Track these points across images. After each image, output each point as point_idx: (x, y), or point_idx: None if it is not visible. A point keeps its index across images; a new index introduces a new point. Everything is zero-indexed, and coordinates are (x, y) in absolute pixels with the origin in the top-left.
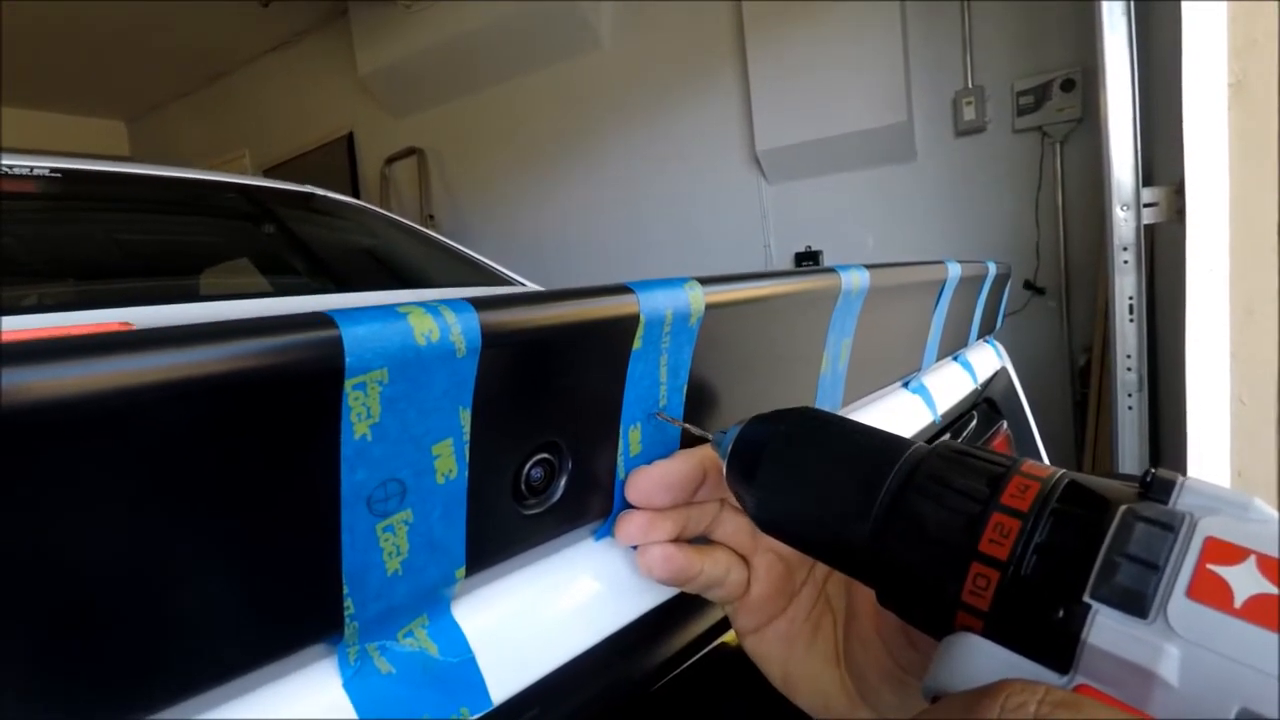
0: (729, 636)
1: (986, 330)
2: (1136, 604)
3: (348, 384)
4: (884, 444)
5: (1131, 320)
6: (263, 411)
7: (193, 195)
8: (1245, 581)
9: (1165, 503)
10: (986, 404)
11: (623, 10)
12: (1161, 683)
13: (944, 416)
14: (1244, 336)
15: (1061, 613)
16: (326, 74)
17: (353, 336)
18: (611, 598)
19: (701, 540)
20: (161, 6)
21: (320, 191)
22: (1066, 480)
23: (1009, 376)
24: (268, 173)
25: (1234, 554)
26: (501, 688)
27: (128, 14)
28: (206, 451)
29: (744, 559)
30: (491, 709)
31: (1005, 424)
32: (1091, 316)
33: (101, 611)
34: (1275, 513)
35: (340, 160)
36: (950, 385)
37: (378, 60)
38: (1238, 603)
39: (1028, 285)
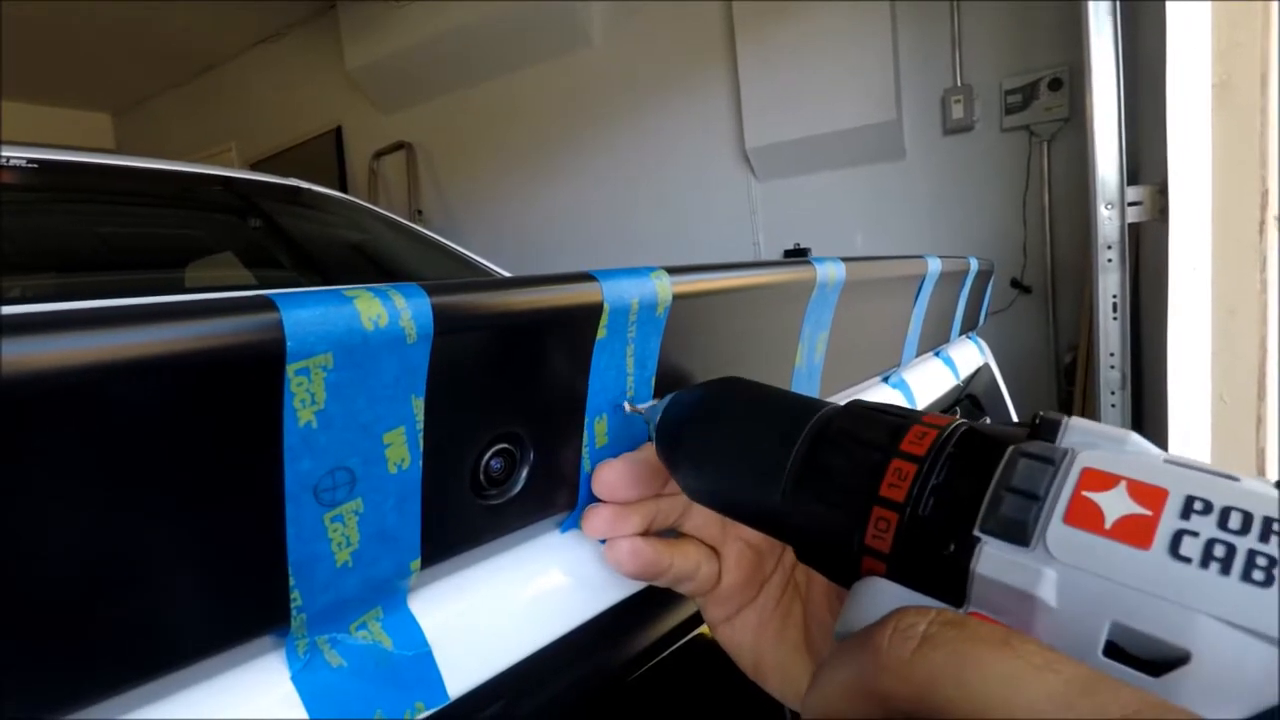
0: (704, 628)
1: (969, 326)
2: (1018, 532)
3: (289, 369)
4: (798, 406)
5: (1115, 318)
6: (200, 396)
7: (178, 188)
8: (1116, 505)
9: (1052, 442)
10: (969, 400)
11: (613, 8)
12: (1041, 605)
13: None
14: (1225, 335)
15: (953, 547)
16: (314, 68)
17: (294, 320)
18: (577, 591)
19: (670, 533)
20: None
21: (306, 185)
22: (963, 428)
23: (992, 373)
24: (254, 167)
25: (1107, 481)
26: (459, 682)
27: (113, 6)
28: (141, 438)
29: (714, 550)
30: (448, 704)
31: (988, 420)
32: (1077, 314)
33: (31, 604)
34: (1151, 446)
35: (328, 154)
36: (931, 380)
37: (366, 55)
38: (1108, 524)
39: (1014, 283)
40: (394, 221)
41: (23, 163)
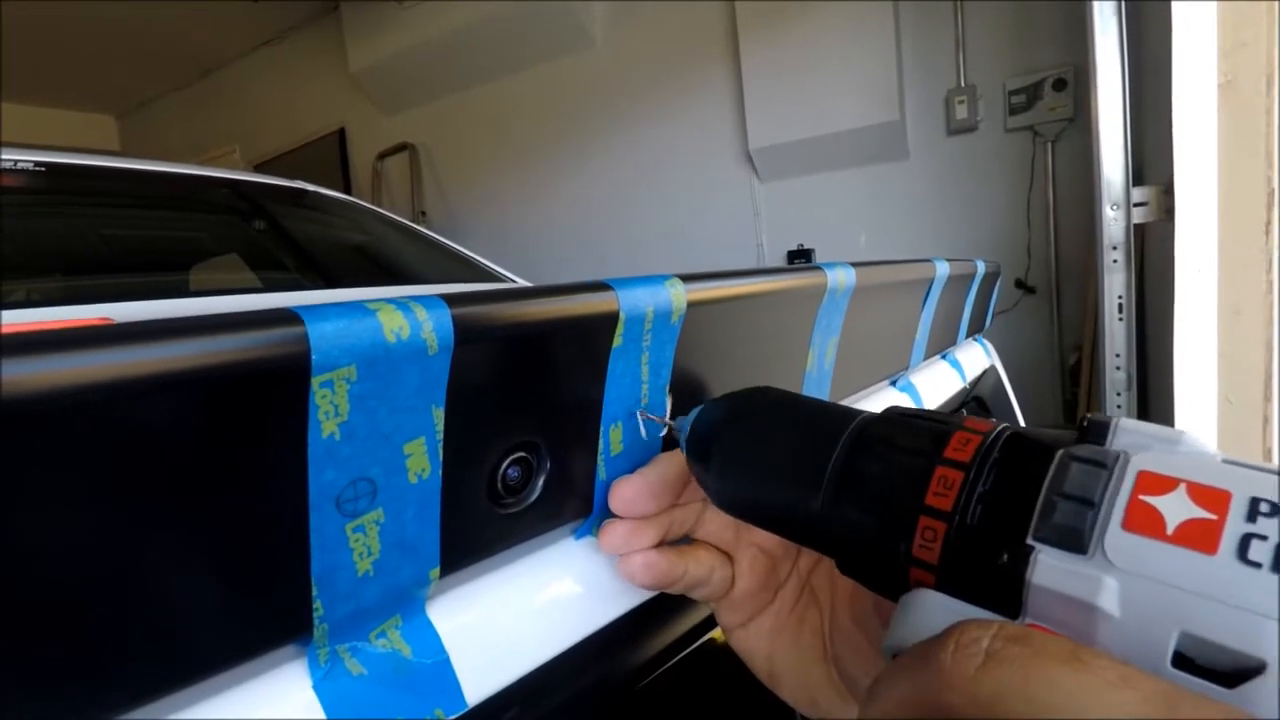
0: (716, 633)
1: (975, 329)
2: (1075, 540)
3: (314, 381)
4: (833, 413)
5: (1121, 319)
6: (227, 409)
7: (182, 190)
8: (1176, 509)
9: (1102, 444)
10: (975, 402)
11: (615, 8)
12: (1103, 615)
13: None
14: (1231, 336)
15: (1006, 556)
16: (318, 70)
17: (319, 333)
18: (592, 597)
19: (684, 540)
20: (152, 1)
21: (311, 187)
22: (1008, 432)
23: (998, 375)
24: (259, 168)
25: (1165, 484)
26: (477, 689)
27: (118, 8)
28: (169, 450)
29: (728, 555)
30: (466, 710)
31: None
32: (1082, 315)
33: (65, 613)
34: (1206, 445)
35: (332, 156)
36: (938, 383)
37: (369, 56)
38: (1170, 529)
39: (1019, 284)
40: (398, 223)
41: (30, 166)
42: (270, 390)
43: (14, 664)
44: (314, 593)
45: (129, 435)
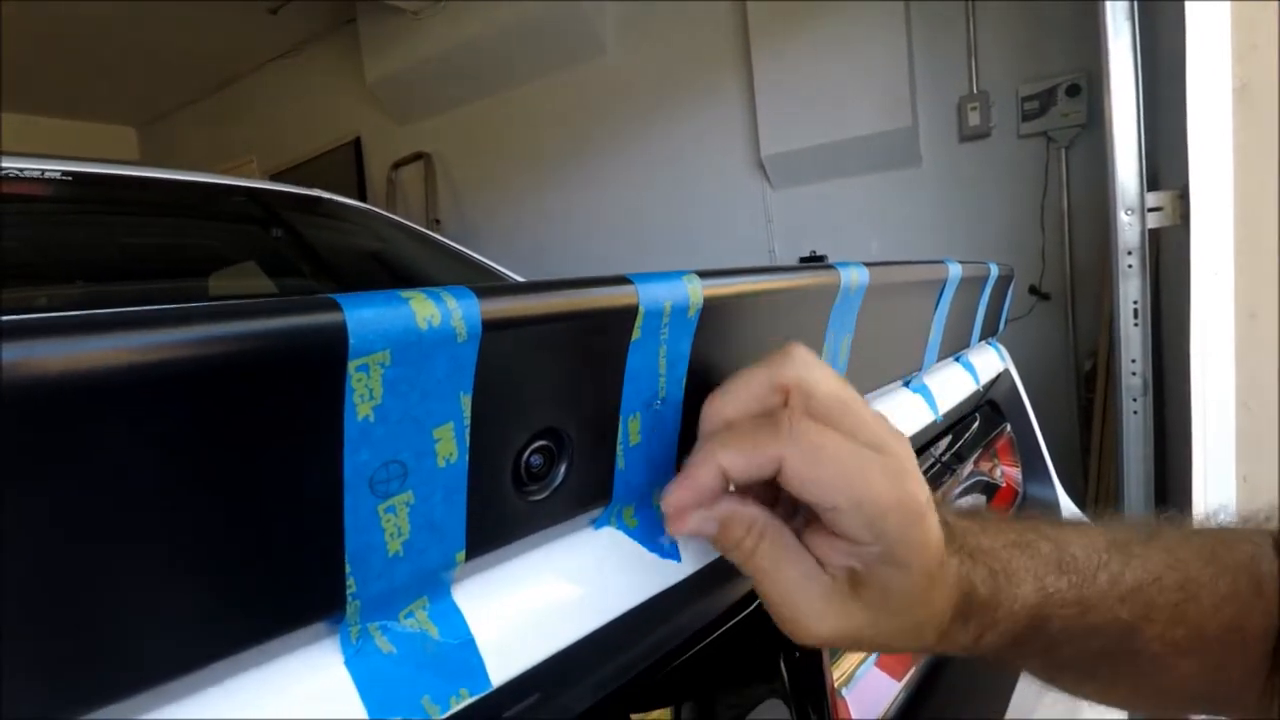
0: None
1: (989, 332)
2: None
3: (351, 365)
4: None
5: (1136, 325)
6: (268, 391)
7: (201, 199)
8: None
9: None
10: (989, 405)
11: (627, 17)
12: None
13: (946, 416)
14: (1249, 340)
15: None
16: (334, 81)
17: (356, 319)
18: (610, 585)
19: None
20: (171, 14)
21: (327, 195)
22: None
23: (1012, 379)
24: (275, 178)
25: None
26: (501, 670)
27: (137, 21)
28: (212, 430)
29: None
30: (490, 690)
31: (1008, 426)
32: (1097, 321)
33: (108, 586)
34: None
35: (347, 165)
36: (952, 385)
37: (385, 67)
38: None
39: (1033, 290)
40: (413, 230)
41: (58, 175)
42: (310, 373)
43: (64, 637)
44: (348, 570)
45: (175, 415)
